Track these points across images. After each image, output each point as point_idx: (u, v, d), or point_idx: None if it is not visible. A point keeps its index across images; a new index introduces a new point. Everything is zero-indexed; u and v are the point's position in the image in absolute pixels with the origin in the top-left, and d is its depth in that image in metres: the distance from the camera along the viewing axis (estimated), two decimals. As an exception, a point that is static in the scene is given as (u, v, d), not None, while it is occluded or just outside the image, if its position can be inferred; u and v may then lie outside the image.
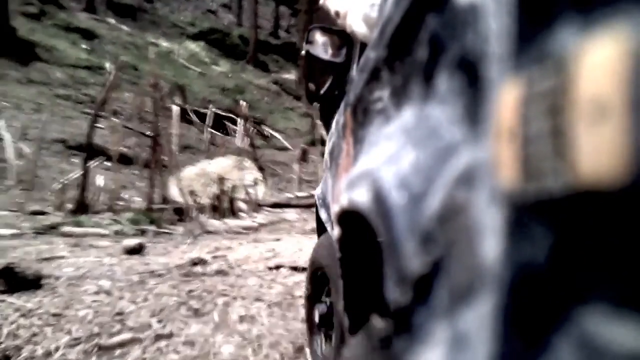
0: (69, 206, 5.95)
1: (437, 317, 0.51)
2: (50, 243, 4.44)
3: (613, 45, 0.29)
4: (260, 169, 8.83)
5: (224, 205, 6.62)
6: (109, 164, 7.26)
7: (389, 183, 0.66)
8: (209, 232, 5.52)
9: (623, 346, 0.29)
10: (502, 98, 0.40)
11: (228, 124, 11.84)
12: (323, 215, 1.79)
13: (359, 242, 0.94)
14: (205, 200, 6.63)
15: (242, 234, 5.56)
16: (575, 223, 0.32)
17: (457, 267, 0.48)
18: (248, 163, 8.49)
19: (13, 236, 4.66)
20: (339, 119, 1.43)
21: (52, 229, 5.07)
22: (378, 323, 0.81)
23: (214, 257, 4.10)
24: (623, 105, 0.28)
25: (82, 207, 5.90)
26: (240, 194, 7.13)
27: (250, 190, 7.29)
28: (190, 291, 3.08)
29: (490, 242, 0.40)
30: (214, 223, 5.91)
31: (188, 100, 12.72)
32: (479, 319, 0.41)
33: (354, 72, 1.55)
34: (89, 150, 6.25)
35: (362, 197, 0.75)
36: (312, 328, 1.99)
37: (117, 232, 5.09)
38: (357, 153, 1.06)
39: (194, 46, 19.81)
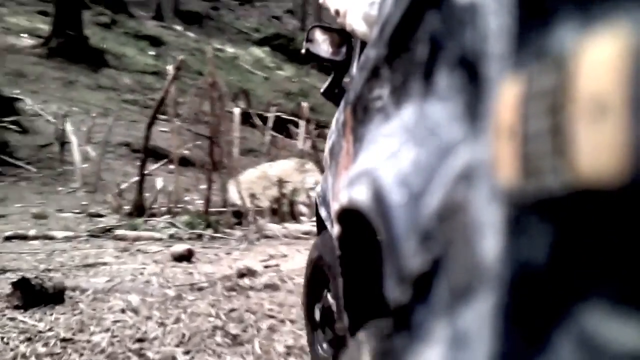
0: (127, 209, 5.76)
1: (437, 315, 0.50)
2: (100, 247, 4.20)
3: (613, 42, 0.29)
4: (323, 171, 8.37)
5: (283, 208, 6.23)
6: (171, 166, 7.12)
7: (389, 181, 0.66)
8: (267, 237, 5.15)
9: (623, 344, 0.28)
10: (502, 96, 0.40)
11: (291, 127, 11.52)
12: (323, 213, 1.76)
13: (359, 240, 0.93)
14: (264, 204, 6.26)
15: (301, 239, 5.16)
16: (575, 221, 0.32)
17: (457, 265, 0.47)
18: (310, 165, 8.07)
19: (66, 239, 4.50)
20: (338, 117, 1.42)
21: (106, 232, 4.89)
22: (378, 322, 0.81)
23: (266, 266, 3.68)
24: (623, 103, 0.28)
25: (139, 210, 5.72)
26: (301, 197, 6.71)
27: (312, 193, 6.85)
28: (232, 311, 2.65)
29: (489, 240, 0.40)
30: (273, 227, 5.54)
31: (252, 104, 12.53)
32: (478, 317, 0.41)
33: (354, 70, 1.52)
34: (147, 153, 6.06)
35: (361, 195, 0.75)
36: (312, 326, 1.95)
37: (171, 236, 4.84)
38: (356, 151, 1.05)
39: (259, 51, 19.78)
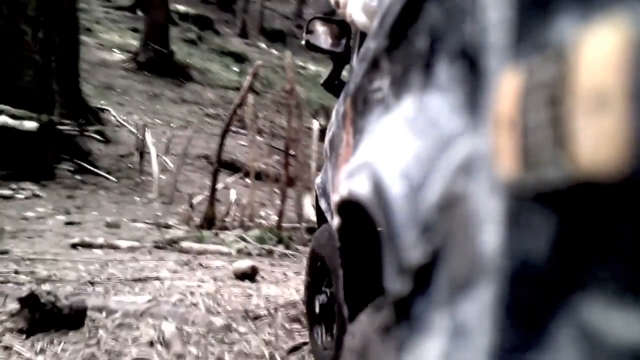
0: (197, 221, 5.54)
1: (437, 307, 0.50)
2: (160, 259, 3.88)
3: (613, 34, 0.29)
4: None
5: (360, 226, 5.75)
6: (248, 180, 7.00)
7: (389, 173, 0.66)
8: (341, 257, 4.65)
9: (622, 337, 0.29)
10: (502, 88, 0.40)
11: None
12: (323, 205, 1.76)
13: (359, 232, 0.93)
14: (340, 220, 5.80)
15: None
16: (575, 213, 0.32)
17: (457, 257, 0.48)
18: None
19: (129, 249, 4.27)
20: (338, 108, 1.41)
21: (173, 243, 4.61)
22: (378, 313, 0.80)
23: (338, 290, 3.17)
24: (623, 95, 0.28)
25: (209, 222, 5.48)
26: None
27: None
28: (292, 351, 2.12)
29: (489, 232, 0.40)
30: (348, 246, 5.03)
31: (332, 119, 12.24)
32: (478, 309, 0.41)
33: (354, 61, 1.53)
34: (220, 164, 5.89)
35: (361, 187, 0.76)
36: (312, 318, 1.94)
37: (239, 251, 4.52)
38: (356, 143, 1.05)
39: (340, 69, 19.54)
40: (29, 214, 5.74)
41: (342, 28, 1.75)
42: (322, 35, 1.77)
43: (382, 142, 0.76)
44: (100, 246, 4.44)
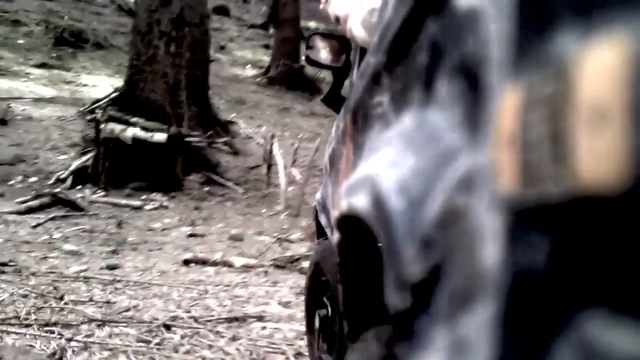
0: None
1: (437, 322, 0.50)
2: (275, 283, 3.21)
3: (613, 50, 0.29)
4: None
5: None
6: None
7: (389, 188, 0.66)
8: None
9: (623, 351, 0.29)
10: (502, 103, 0.40)
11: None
12: (323, 220, 1.72)
13: (359, 247, 0.92)
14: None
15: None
16: (575, 229, 0.32)
17: (457, 272, 0.47)
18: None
19: (243, 268, 3.64)
20: (338, 124, 1.40)
21: (293, 262, 3.94)
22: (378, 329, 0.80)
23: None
24: (623, 110, 0.28)
25: (334, 239, 4.72)
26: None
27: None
28: None
29: (490, 247, 0.40)
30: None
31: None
32: (479, 324, 0.41)
33: (354, 77, 1.56)
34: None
35: (361, 202, 0.76)
36: (312, 334, 1.85)
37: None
38: (357, 158, 1.04)
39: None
40: (155, 225, 5.55)
41: (342, 43, 1.75)
42: (323, 51, 1.76)
43: (382, 158, 0.76)
44: (215, 263, 3.92)
